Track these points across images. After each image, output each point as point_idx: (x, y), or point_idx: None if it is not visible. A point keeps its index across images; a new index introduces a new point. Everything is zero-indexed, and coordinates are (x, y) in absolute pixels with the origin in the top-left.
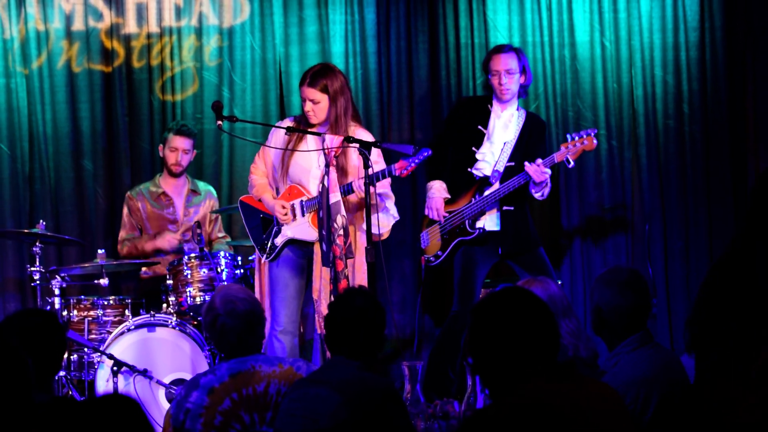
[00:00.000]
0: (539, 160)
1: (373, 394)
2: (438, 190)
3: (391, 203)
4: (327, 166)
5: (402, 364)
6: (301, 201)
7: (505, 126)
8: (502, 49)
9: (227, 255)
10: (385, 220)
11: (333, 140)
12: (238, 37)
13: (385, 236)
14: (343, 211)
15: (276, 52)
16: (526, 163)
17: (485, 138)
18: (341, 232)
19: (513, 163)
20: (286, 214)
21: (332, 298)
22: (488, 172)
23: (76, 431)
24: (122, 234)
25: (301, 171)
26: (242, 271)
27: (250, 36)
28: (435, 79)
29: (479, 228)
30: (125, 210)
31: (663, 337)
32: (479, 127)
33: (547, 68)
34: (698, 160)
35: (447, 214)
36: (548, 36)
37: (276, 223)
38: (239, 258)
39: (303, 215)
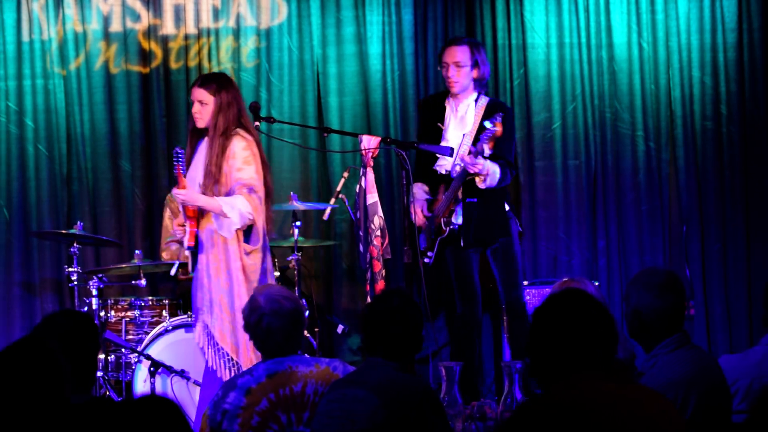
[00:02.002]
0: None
1: (411, 396)
2: (417, 193)
3: (233, 210)
4: (364, 167)
5: (439, 365)
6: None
7: (461, 119)
8: (454, 40)
9: None
10: (231, 227)
11: (370, 141)
12: (275, 38)
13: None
14: (380, 212)
15: (313, 53)
16: (462, 154)
17: (444, 132)
18: (378, 233)
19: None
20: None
21: (369, 299)
22: (450, 168)
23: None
24: (164, 237)
25: (190, 181)
26: (279, 272)
27: (288, 37)
28: None
29: (453, 224)
30: (166, 212)
31: (700, 338)
32: (438, 124)
33: (584, 69)
34: (736, 162)
35: (429, 214)
36: (585, 37)
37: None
38: (276, 260)
39: (186, 224)
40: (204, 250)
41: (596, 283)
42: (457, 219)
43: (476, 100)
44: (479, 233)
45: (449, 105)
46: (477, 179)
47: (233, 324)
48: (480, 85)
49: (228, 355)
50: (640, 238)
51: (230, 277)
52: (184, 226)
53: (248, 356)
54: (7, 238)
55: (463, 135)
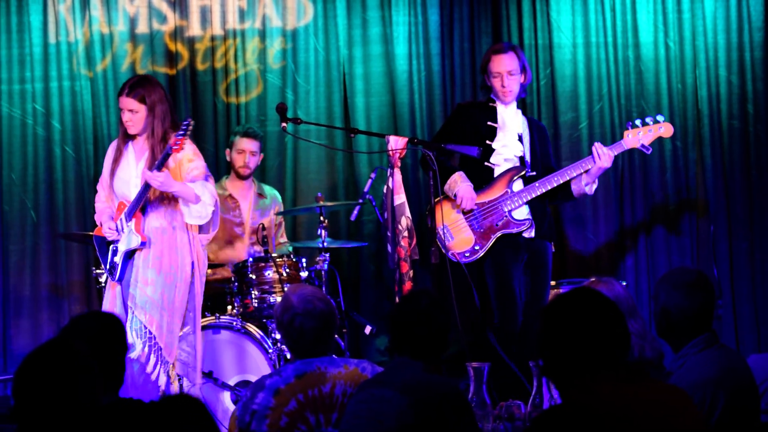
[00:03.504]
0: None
1: (439, 396)
2: (465, 179)
3: (205, 192)
4: (391, 167)
5: (467, 365)
6: (125, 211)
7: (513, 119)
8: (501, 48)
9: (292, 257)
10: (204, 211)
11: (397, 141)
12: (301, 39)
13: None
14: (407, 213)
15: (339, 54)
16: (596, 144)
17: (498, 130)
18: (406, 233)
19: (531, 155)
20: (112, 231)
21: (397, 300)
22: (509, 163)
23: None
24: None
25: (123, 184)
26: (307, 273)
27: (314, 38)
28: None
29: (526, 218)
30: None
31: (728, 338)
32: (489, 123)
33: (611, 69)
34: (763, 160)
35: (476, 206)
36: (612, 36)
37: (113, 243)
38: (304, 260)
39: (127, 224)
40: (146, 246)
41: (624, 283)
42: (521, 214)
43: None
44: (550, 227)
45: (498, 106)
46: (587, 184)
47: (171, 318)
48: (524, 90)
49: (161, 351)
50: (667, 237)
51: (175, 270)
52: (115, 225)
53: (174, 353)
54: (35, 241)
55: (518, 134)
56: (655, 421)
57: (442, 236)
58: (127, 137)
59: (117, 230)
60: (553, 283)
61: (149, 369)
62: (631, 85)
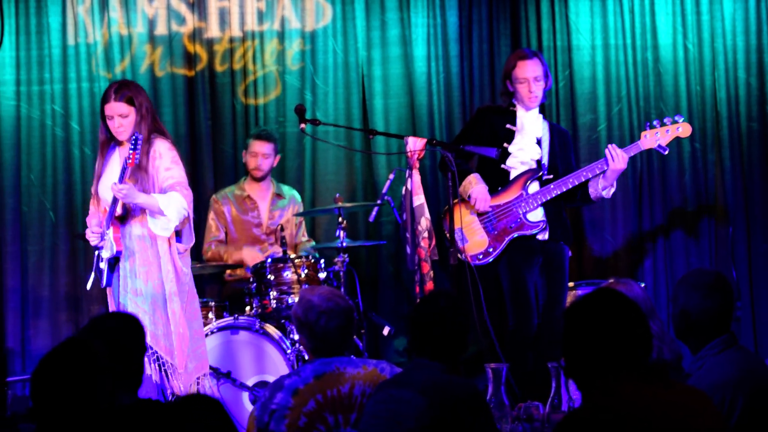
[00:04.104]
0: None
1: (457, 397)
2: (480, 181)
3: (170, 206)
4: (410, 168)
5: (486, 367)
6: (105, 219)
7: (533, 123)
8: (526, 54)
9: (312, 258)
10: (169, 224)
11: (416, 143)
12: (320, 40)
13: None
14: (427, 214)
15: (358, 55)
16: (609, 148)
17: (516, 133)
18: (426, 234)
19: (549, 159)
20: (95, 236)
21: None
22: (526, 166)
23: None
24: (207, 237)
25: (105, 190)
26: (326, 274)
27: (333, 39)
28: None
29: (541, 220)
30: (211, 214)
31: (747, 339)
32: (507, 126)
33: (629, 71)
34: None
35: (490, 209)
36: (631, 38)
37: (98, 248)
38: (322, 261)
39: (106, 231)
40: (127, 256)
41: (642, 285)
42: (536, 216)
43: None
44: (564, 230)
45: (519, 111)
46: (603, 188)
47: (166, 328)
48: (545, 95)
49: (163, 357)
50: (685, 239)
51: (162, 280)
52: (100, 230)
53: (184, 359)
54: (54, 241)
55: (537, 138)
56: (675, 422)
57: (457, 238)
58: (113, 142)
59: (101, 236)
60: (571, 284)
61: (154, 378)
62: (650, 87)
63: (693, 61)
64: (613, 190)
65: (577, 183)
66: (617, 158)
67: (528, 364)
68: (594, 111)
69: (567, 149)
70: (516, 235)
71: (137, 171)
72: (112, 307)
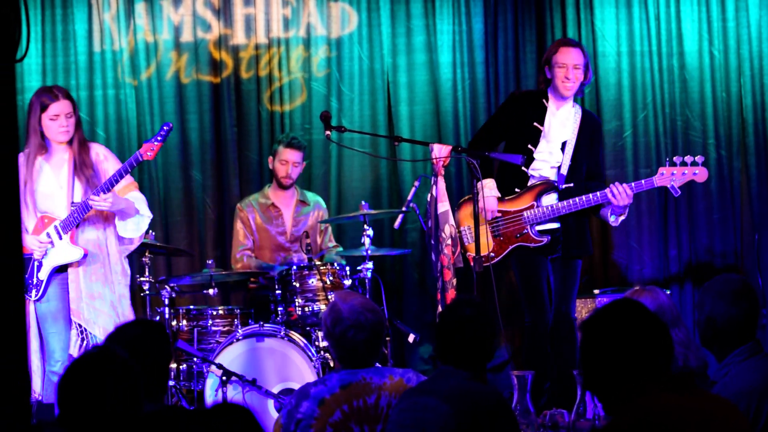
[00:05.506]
0: (624, 185)
1: (482, 405)
2: (491, 189)
3: (142, 204)
4: (435, 175)
5: (511, 373)
6: (56, 225)
7: (562, 124)
8: (570, 42)
9: (338, 265)
10: (139, 222)
11: (441, 150)
12: (346, 47)
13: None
14: (451, 220)
15: (384, 62)
16: (612, 186)
17: (541, 136)
18: (449, 241)
19: (571, 164)
20: (43, 245)
21: (440, 308)
22: (546, 173)
23: None
24: (236, 246)
25: (46, 198)
26: (351, 281)
27: (358, 46)
28: None
29: (546, 236)
30: (237, 222)
31: None
32: (535, 123)
33: (655, 77)
34: None
35: (500, 214)
36: (656, 45)
37: (35, 258)
38: (348, 268)
39: (60, 238)
40: (85, 261)
41: (668, 292)
42: (543, 229)
43: (573, 105)
44: (580, 244)
45: (550, 108)
46: (610, 215)
47: None
48: (581, 90)
49: None
50: (711, 246)
51: (120, 280)
52: (49, 240)
53: None
54: None
55: (563, 142)
56: (702, 430)
57: (464, 237)
58: (41, 150)
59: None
60: (596, 291)
61: None
62: (676, 94)
63: (719, 67)
64: (622, 218)
65: (582, 208)
66: (619, 196)
67: (549, 363)
68: (619, 118)
69: (595, 143)
70: (518, 245)
71: (86, 170)
72: (34, 322)
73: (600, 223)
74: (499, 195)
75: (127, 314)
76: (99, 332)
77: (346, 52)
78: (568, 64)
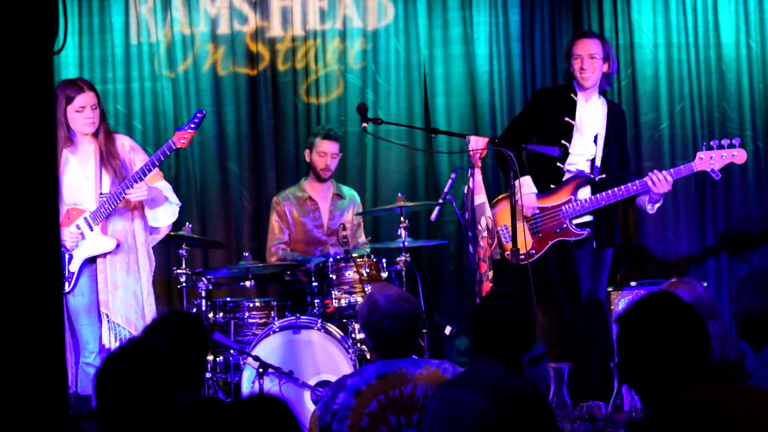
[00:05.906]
0: (664, 172)
1: (519, 397)
2: (529, 186)
3: (170, 192)
4: (472, 167)
5: (548, 366)
6: (85, 217)
7: (593, 117)
8: (586, 33)
9: (373, 257)
10: (170, 209)
11: (477, 142)
12: (382, 39)
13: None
14: (488, 213)
15: (420, 54)
16: (651, 174)
17: (574, 130)
18: (485, 233)
19: (603, 155)
20: (75, 237)
21: (477, 300)
22: (582, 166)
23: (227, 430)
24: (271, 239)
25: (74, 191)
26: (387, 273)
27: (395, 38)
28: None
29: (586, 228)
30: (273, 215)
31: None
32: (566, 119)
33: (692, 69)
34: None
35: (538, 211)
36: (693, 37)
37: (66, 250)
38: (384, 260)
39: (92, 230)
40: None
41: (705, 284)
42: (582, 222)
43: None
44: (609, 235)
45: (579, 101)
46: (648, 202)
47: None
48: (607, 81)
49: None
50: (748, 238)
51: (143, 270)
52: (79, 232)
53: None
54: None
55: (595, 135)
56: (742, 423)
57: (502, 236)
58: (67, 142)
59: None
60: (633, 284)
61: None
62: (713, 86)
63: (756, 59)
64: (658, 204)
65: (623, 197)
66: (659, 184)
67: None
68: (656, 109)
69: (621, 133)
70: (558, 240)
71: (113, 161)
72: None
73: (637, 215)
74: (537, 191)
75: (149, 304)
76: (121, 321)
77: (383, 44)
78: (583, 54)
